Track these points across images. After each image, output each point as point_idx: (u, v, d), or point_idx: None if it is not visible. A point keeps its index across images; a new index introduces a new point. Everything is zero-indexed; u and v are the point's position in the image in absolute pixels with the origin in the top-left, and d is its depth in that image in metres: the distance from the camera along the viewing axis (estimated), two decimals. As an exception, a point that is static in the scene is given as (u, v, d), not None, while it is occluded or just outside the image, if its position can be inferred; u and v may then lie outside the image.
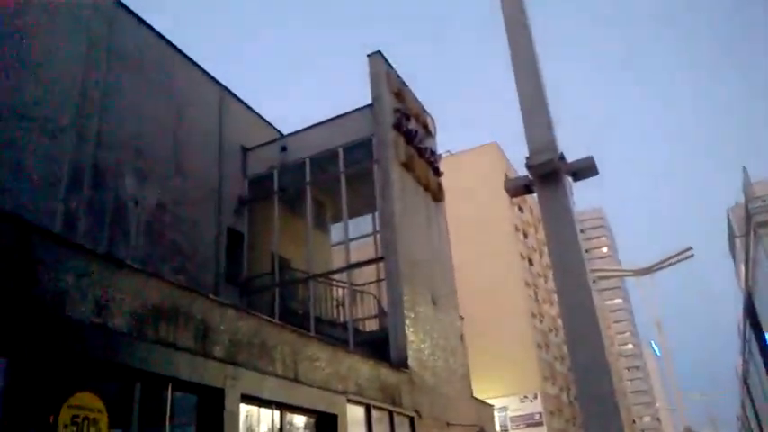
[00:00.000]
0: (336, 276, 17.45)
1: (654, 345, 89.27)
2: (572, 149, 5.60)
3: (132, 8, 15.54)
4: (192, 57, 17.53)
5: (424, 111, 20.14)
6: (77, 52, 13.53)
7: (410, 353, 14.70)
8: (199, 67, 17.89)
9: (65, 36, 13.34)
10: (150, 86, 15.60)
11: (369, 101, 17.68)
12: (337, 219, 18.92)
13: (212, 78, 18.43)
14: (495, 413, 24.50)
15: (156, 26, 16.21)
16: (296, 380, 10.40)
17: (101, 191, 13.24)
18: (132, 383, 7.62)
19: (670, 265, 47.42)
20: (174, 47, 16.98)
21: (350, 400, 11.77)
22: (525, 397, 46.01)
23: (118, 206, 13.64)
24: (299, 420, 10.82)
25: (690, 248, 45.95)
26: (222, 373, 8.76)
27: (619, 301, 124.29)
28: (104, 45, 14.33)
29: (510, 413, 44.75)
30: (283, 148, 18.43)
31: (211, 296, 9.67)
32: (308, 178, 17.61)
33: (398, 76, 18.68)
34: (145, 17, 15.92)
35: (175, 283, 8.91)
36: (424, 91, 21.07)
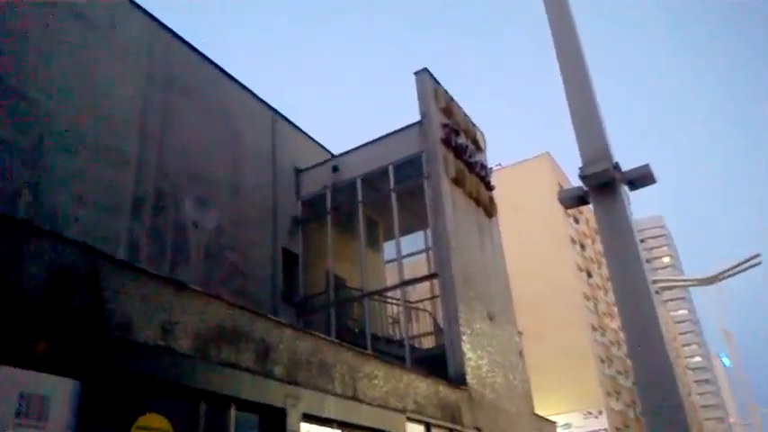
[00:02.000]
0: (390, 294, 17.48)
1: (723, 357, 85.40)
2: (626, 156, 5.48)
3: (187, 38, 16.19)
4: (241, 80, 18.04)
5: (473, 125, 20.08)
6: (136, 84, 14.14)
7: (468, 369, 14.55)
8: (251, 92, 18.40)
9: (124, 69, 13.96)
10: (206, 113, 16.14)
11: (416, 117, 17.76)
12: (390, 236, 18.98)
13: (264, 102, 18.91)
14: (559, 430, 23.87)
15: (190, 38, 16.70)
16: (355, 398, 10.44)
17: (162, 216, 13.72)
18: (197, 404, 7.82)
19: (737, 273, 45.37)
20: (227, 74, 17.53)
21: (409, 419, 11.71)
22: (589, 413, 44.66)
23: (179, 230, 14.10)
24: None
25: (758, 255, 43.80)
26: (283, 392, 8.88)
27: (684, 312, 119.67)
28: (161, 75, 14.93)
29: (574, 430, 43.50)
30: (335, 168, 18.68)
31: (270, 316, 9.86)
32: (359, 197, 17.78)
33: (446, 92, 18.72)
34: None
35: (236, 305, 9.13)
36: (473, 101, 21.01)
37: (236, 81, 17.84)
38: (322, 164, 19.38)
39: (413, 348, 16.16)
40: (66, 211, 11.41)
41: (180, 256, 13.94)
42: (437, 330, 17.16)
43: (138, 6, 14.84)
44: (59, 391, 6.22)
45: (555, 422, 22.29)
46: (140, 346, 7.25)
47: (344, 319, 17.36)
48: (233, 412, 8.17)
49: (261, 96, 18.78)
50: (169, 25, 15.58)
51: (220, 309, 8.55)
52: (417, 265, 18.69)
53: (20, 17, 11.74)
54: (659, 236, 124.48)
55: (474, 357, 15.14)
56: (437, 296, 16.51)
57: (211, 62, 17.03)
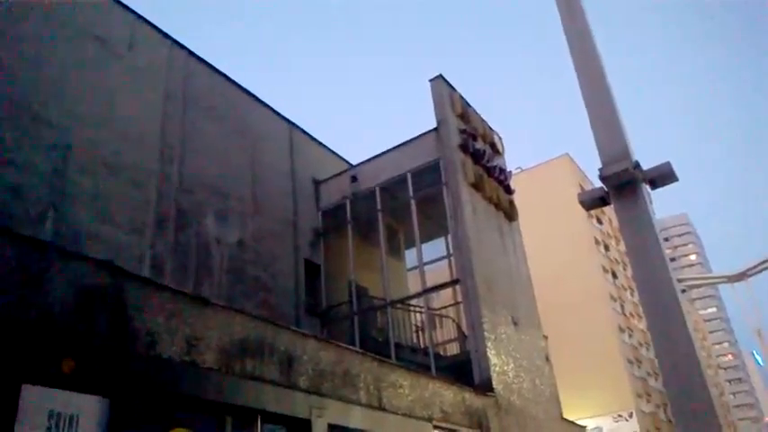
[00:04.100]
0: (413, 301, 17.43)
1: (756, 355, 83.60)
2: (650, 155, 5.40)
3: (203, 56, 16.41)
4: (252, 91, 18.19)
5: (491, 129, 20.01)
6: (155, 103, 14.35)
7: (494, 375, 14.43)
8: (267, 105, 18.56)
9: (142, 88, 14.18)
10: (224, 129, 16.31)
11: (432, 122, 17.76)
12: (411, 244, 18.95)
13: (280, 115, 19.06)
14: (589, 435, 23.54)
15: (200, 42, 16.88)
16: (380, 408, 10.40)
17: (184, 233, 13.86)
18: (223, 417, 7.86)
19: (767, 268, 44.47)
20: (244, 89, 17.71)
21: (436, 427, 11.64)
22: (619, 416, 43.96)
23: (201, 246, 14.22)
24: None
25: (788, 250, 42.97)
26: (308, 403, 8.89)
27: (713, 310, 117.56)
28: (180, 94, 15.13)
29: (605, 434, 42.82)
30: (353, 178, 18.73)
31: (293, 328, 9.89)
32: (379, 206, 17.79)
33: (462, 97, 18.69)
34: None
35: (259, 317, 9.18)
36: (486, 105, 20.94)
37: (252, 95, 18.02)
38: (340, 174, 19.44)
39: (437, 356, 16.08)
40: (89, 230, 11.58)
41: (203, 272, 14.05)
42: (461, 337, 17.06)
43: (155, 27, 15.08)
44: (88, 409, 6.30)
45: (584, 426, 22.00)
46: (166, 361, 7.32)
47: (368, 329, 17.33)
48: (259, 425, 8.19)
49: (277, 109, 18.94)
50: (180, 34, 15.74)
51: (244, 322, 8.60)
52: (439, 272, 18.63)
53: (39, 41, 12.00)
54: (684, 233, 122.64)
55: (499, 363, 15.01)
56: (460, 302, 16.42)
57: (228, 78, 17.22)
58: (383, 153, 18.88)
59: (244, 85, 17.72)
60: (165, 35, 15.36)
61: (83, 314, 6.71)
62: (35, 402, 5.87)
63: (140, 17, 14.70)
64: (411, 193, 17.28)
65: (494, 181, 18.69)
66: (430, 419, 11.53)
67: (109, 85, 13.24)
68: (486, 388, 14.08)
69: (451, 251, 17.45)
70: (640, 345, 52.18)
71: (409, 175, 17.46)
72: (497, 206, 18.59)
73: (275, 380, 8.56)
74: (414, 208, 17.05)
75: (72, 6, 13.00)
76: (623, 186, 5.28)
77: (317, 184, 19.47)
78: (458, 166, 16.96)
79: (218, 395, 7.82)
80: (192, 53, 16.08)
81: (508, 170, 20.41)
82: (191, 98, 15.44)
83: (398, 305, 17.31)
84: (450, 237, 17.35)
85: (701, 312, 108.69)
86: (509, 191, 19.56)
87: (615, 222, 53.16)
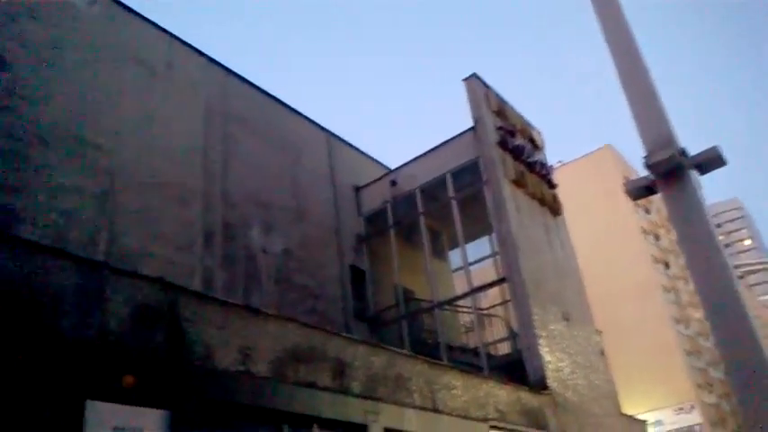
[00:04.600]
0: (461, 302, 17.34)
1: (823, 340, 79.98)
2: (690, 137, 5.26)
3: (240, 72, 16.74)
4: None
5: (529, 124, 19.78)
6: (196, 120, 14.69)
7: (548, 373, 14.22)
8: (304, 115, 18.79)
9: (183, 107, 14.54)
10: (264, 141, 16.58)
11: (467, 121, 17.67)
12: (454, 244, 18.87)
13: (317, 125, 19.26)
14: (650, 429, 22.96)
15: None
16: (435, 410, 10.38)
17: (232, 245, 14.14)
18: (280, 425, 7.97)
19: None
20: (280, 101, 17.98)
21: (492, 427, 11.54)
22: (680, 409, 42.72)
23: (248, 257, 14.48)
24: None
25: None
26: (362, 408, 8.94)
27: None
28: (219, 110, 15.46)
29: (666, 427, 41.68)
30: (393, 183, 18.78)
31: (344, 334, 9.97)
32: (420, 208, 17.79)
33: (497, 94, 18.54)
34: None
35: (309, 325, 9.28)
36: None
37: (289, 107, 18.27)
38: (380, 179, 19.51)
39: (489, 356, 15.95)
40: (140, 249, 11.92)
41: (252, 283, 14.30)
42: (512, 336, 16.89)
43: (191, 46, 15.45)
44: (150, 423, 6.47)
45: (644, 421, 21.45)
46: (221, 372, 7.47)
47: (417, 332, 17.32)
48: (316, 431, 8.27)
49: (313, 118, 19.17)
50: (180, 34, 15.66)
51: (295, 330, 8.71)
52: (485, 271, 18.50)
53: (80, 67, 12.42)
54: (737, 218, 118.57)
55: (553, 360, 14.79)
56: (508, 301, 16.26)
57: (264, 92, 17.51)
58: (421, 156, 18.88)
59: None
60: (202, 54, 15.72)
61: (140, 330, 6.91)
62: (100, 418, 6.07)
63: (176, 38, 15.08)
64: (452, 194, 17.22)
65: (535, 176, 18.45)
66: (486, 420, 11.44)
67: (150, 106, 13.62)
68: (541, 386, 13.89)
69: (496, 249, 17.30)
70: (699, 335, 50.61)
71: (449, 176, 17.41)
72: (541, 201, 18.35)
73: (329, 386, 8.64)
74: (455, 208, 16.98)
75: (109, 31, 13.42)
76: (670, 174, 5.14)
77: (357, 190, 19.59)
78: (497, 163, 16.81)
79: (273, 403, 7.93)
80: (228, 70, 16.42)
81: (549, 164, 20.15)
82: (230, 114, 15.76)
83: (446, 306, 17.25)
84: (494, 235, 17.21)
85: (761, 299, 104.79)
86: (552, 185, 19.29)
87: (664, 211, 51.73)
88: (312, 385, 8.42)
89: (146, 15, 14.33)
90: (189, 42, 15.40)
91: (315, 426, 8.30)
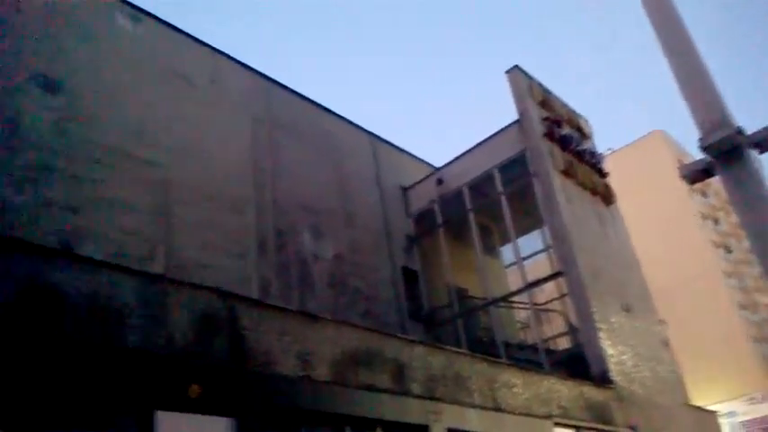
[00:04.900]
0: (516, 298, 17.12)
1: None
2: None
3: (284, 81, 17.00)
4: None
5: (575, 113, 19.39)
6: (243, 131, 14.98)
7: (611, 366, 13.87)
8: (348, 120, 18.93)
9: (230, 119, 14.84)
10: (310, 148, 16.77)
11: (508, 115, 17.43)
12: (506, 240, 18.66)
13: (361, 128, 19.36)
14: (722, 420, 22.13)
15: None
16: (497, 409, 10.27)
17: (284, 252, 14.35)
18: (342, 428, 8.03)
19: None
20: (324, 107, 18.15)
21: (557, 424, 11.33)
22: (752, 399, 41.03)
23: (301, 263, 14.66)
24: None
25: None
26: (423, 409, 8.92)
27: None
28: (265, 120, 15.72)
29: (739, 418, 40.10)
30: (439, 181, 18.70)
31: (400, 335, 9.98)
32: (468, 205, 17.65)
33: (540, 85, 18.24)
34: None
35: (365, 328, 9.34)
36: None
37: (332, 112, 18.42)
38: (426, 178, 19.46)
39: (548, 351, 15.69)
40: (197, 260, 12.21)
41: (306, 288, 14.47)
42: (571, 330, 16.57)
43: (233, 59, 15.77)
44: (217, 430, 6.62)
45: (715, 412, 20.68)
46: (282, 378, 7.58)
47: (473, 330, 17.19)
48: (379, 434, 8.30)
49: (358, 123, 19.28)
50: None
51: (352, 334, 8.77)
52: (539, 265, 18.20)
53: (130, 86, 12.85)
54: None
55: (615, 353, 14.42)
56: (565, 295, 15.96)
57: (307, 99, 17.71)
58: (466, 152, 18.73)
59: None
60: (245, 65, 16.03)
61: (202, 340, 7.08)
62: (169, 428, 6.24)
63: (220, 52, 15.43)
64: (500, 189, 17.02)
65: (585, 166, 18.06)
66: (549, 417, 11.25)
67: (198, 120, 13.95)
68: (604, 380, 13.57)
69: (550, 243, 17.01)
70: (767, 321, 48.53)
71: (496, 171, 17.21)
72: (593, 191, 17.94)
73: (389, 388, 8.65)
74: (504, 203, 16.77)
75: (154, 49, 13.82)
76: (728, 154, 4.94)
77: (404, 190, 19.59)
78: (545, 155, 16.52)
79: (335, 407, 8.00)
80: (271, 80, 16.68)
81: (599, 153, 19.69)
82: (275, 123, 16.00)
83: (501, 303, 17.06)
84: (546, 228, 16.93)
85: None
86: (603, 174, 18.83)
87: (723, 194, 49.93)
88: (372, 388, 8.45)
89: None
90: (232, 55, 15.73)
91: (377, 428, 8.32)
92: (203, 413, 6.62)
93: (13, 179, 10.22)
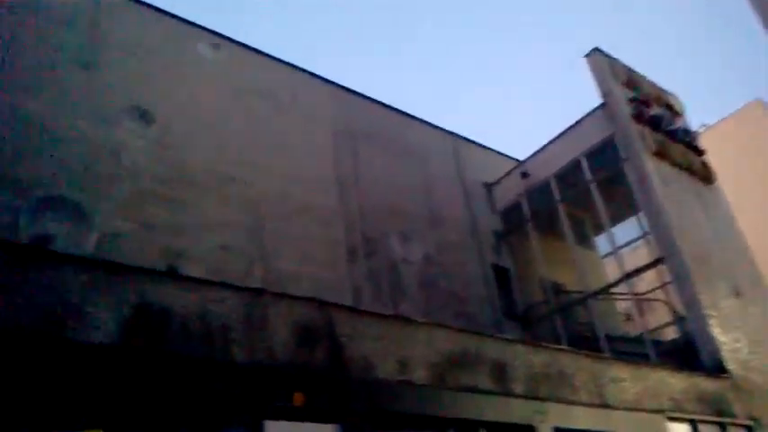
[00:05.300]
0: (615, 289, 16.45)
1: None
2: None
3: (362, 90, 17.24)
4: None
5: (664, 91, 18.44)
6: (325, 144, 15.29)
7: (725, 355, 13.04)
8: (426, 121, 18.90)
9: (311, 133, 15.18)
10: (391, 153, 16.88)
11: (590, 101, 16.80)
12: (599, 230, 18.00)
13: (440, 128, 19.28)
14: None
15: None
16: (604, 405, 9.89)
17: (374, 258, 14.50)
18: (445, 431, 7.98)
19: None
20: (401, 111, 18.23)
21: (670, 418, 10.78)
22: None
23: (391, 268, 14.77)
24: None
25: None
26: (528, 409, 8.72)
27: None
28: (345, 130, 15.97)
29: None
30: (524, 174, 18.30)
31: (498, 335, 9.83)
32: (557, 197, 17.16)
33: (624, 65, 17.48)
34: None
35: (461, 329, 9.25)
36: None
37: (410, 115, 18.47)
38: (510, 173, 19.11)
39: (655, 343, 14.95)
40: (291, 272, 12.55)
41: (397, 293, 14.55)
42: (678, 319, 15.74)
43: (311, 73, 16.16)
44: (324, 437, 6.75)
45: None
46: (383, 382, 7.62)
47: (572, 325, 16.67)
48: (483, 436, 8.19)
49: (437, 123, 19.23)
50: None
51: (448, 336, 8.71)
52: (638, 254, 17.45)
53: (215, 108, 13.43)
54: None
55: (728, 341, 13.55)
56: (669, 282, 15.18)
57: (385, 105, 17.86)
58: (549, 143, 18.23)
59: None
60: (322, 78, 16.37)
61: (302, 349, 7.24)
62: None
63: (297, 68, 15.85)
64: (589, 177, 16.43)
65: (679, 145, 17.11)
66: (661, 411, 10.71)
67: (281, 136, 14.39)
68: (717, 369, 12.77)
69: (647, 229, 16.25)
70: None
71: (583, 159, 16.64)
72: (689, 171, 16.97)
73: (490, 389, 8.52)
74: (595, 191, 16.17)
75: (235, 71, 14.38)
76: None
77: (488, 187, 19.32)
78: (635, 137, 15.80)
79: (436, 410, 7.96)
80: (349, 90, 16.96)
81: (693, 130, 18.63)
82: (355, 132, 16.23)
83: (600, 296, 16.45)
84: (642, 214, 16.19)
85: None
86: (699, 152, 17.78)
87: (837, 161, 46.14)
88: (473, 389, 8.35)
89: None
90: (309, 70, 16.13)
91: (481, 429, 8.21)
92: (309, 421, 6.76)
93: (118, 207, 10.89)
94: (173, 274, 8.14)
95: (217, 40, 14.40)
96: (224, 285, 7.08)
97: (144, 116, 12.21)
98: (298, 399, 6.74)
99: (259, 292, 7.37)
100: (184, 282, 6.85)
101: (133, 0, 13.40)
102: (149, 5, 13.63)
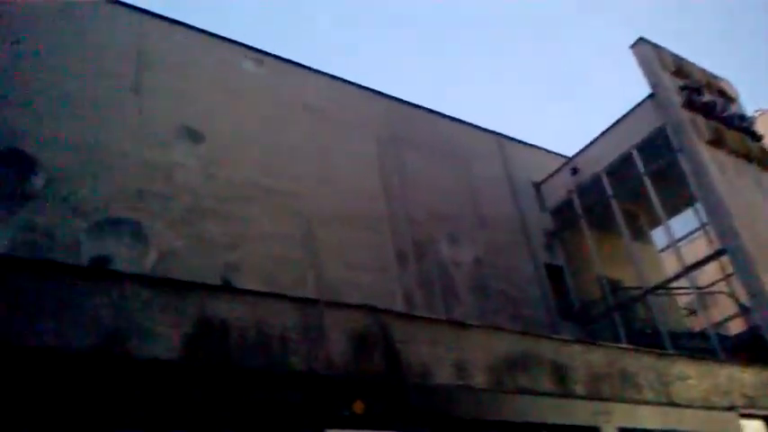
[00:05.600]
0: (676, 283, 15.93)
1: None
2: None
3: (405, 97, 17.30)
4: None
5: (715, 77, 17.83)
6: (369, 152, 15.37)
7: (797, 347, 12.46)
8: (470, 123, 18.78)
9: (356, 142, 15.29)
10: (436, 156, 16.83)
11: (635, 94, 16.37)
12: (655, 223, 17.49)
13: (485, 129, 19.13)
14: None
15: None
16: (671, 404, 9.55)
17: (424, 263, 14.47)
18: (508, 436, 7.86)
19: None
20: (444, 114, 18.18)
21: (743, 415, 10.33)
22: None
23: (442, 272, 14.70)
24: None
25: None
26: (590, 410, 8.50)
27: None
28: (389, 137, 16.03)
29: None
30: (574, 171, 17.96)
31: (554, 336, 9.64)
32: (609, 192, 16.75)
33: (672, 53, 16.99)
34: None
35: (516, 331, 9.12)
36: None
37: (453, 118, 18.40)
38: (559, 170, 18.77)
39: (720, 337, 14.41)
40: (343, 280, 12.63)
41: (450, 297, 14.46)
42: (744, 311, 15.13)
43: (352, 83, 16.30)
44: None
45: None
46: (441, 388, 7.57)
47: (631, 322, 16.21)
48: (546, 439, 8.03)
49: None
50: None
51: (504, 338, 8.60)
52: (696, 246, 16.88)
53: (261, 124, 13.68)
54: None
55: (800, 332, 12.93)
56: (732, 274, 14.62)
57: (427, 109, 17.85)
58: (598, 137, 17.85)
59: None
60: (363, 87, 16.50)
61: (358, 357, 7.25)
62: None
63: (337, 78, 16.02)
64: (642, 170, 15.99)
65: (735, 131, 16.50)
66: (733, 408, 10.28)
67: (326, 147, 14.56)
68: (790, 363, 12.20)
69: (706, 220, 15.71)
70: None
71: (635, 152, 16.21)
72: (747, 157, 16.32)
73: (550, 391, 8.35)
74: (649, 184, 15.73)
75: (278, 85, 14.63)
76: None
77: (537, 186, 19.04)
78: (688, 126, 15.31)
79: (496, 414, 7.84)
80: (391, 97, 17.03)
81: (749, 115, 17.94)
82: (398, 138, 16.26)
83: (659, 291, 15.95)
84: (699, 205, 15.66)
85: None
86: (756, 137, 17.10)
87: None
88: (533, 392, 8.20)
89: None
90: (350, 80, 16.28)
91: (544, 432, 8.07)
92: (369, 428, 6.76)
93: (174, 225, 11.20)
94: (230, 288, 8.31)
95: (260, 56, 14.69)
96: (279, 296, 7.17)
97: (193, 135, 12.54)
98: (358, 406, 6.75)
99: (313, 301, 7.44)
100: (241, 295, 6.97)
101: (176, 23, 13.80)
102: (192, 27, 14.03)
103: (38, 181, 10.31)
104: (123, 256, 10.48)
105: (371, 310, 7.66)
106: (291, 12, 67.26)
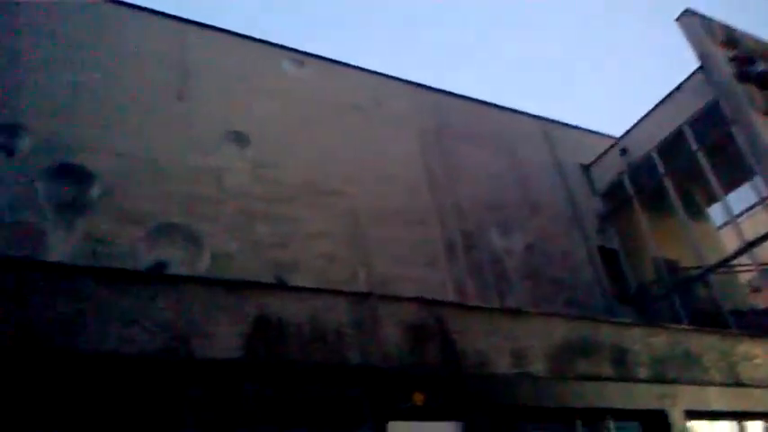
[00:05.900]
0: (737, 260, 15.36)
1: None
2: None
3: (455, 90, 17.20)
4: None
5: (769, 44, 17.07)
6: (412, 144, 15.33)
7: None
8: (513, 109, 18.54)
9: (400, 136, 15.26)
10: (481, 145, 16.66)
11: (683, 68, 15.81)
12: (711, 200, 16.90)
13: (529, 114, 18.85)
14: None
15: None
16: (739, 384, 9.27)
17: (474, 252, 14.36)
18: (571, 422, 7.77)
19: None
20: (487, 102, 18.00)
21: (816, 394, 9.93)
22: None
23: (493, 261, 14.57)
24: (756, 428, 9.52)
25: None
26: (656, 393, 8.33)
27: None
28: (431, 128, 15.96)
29: None
30: (623, 151, 17.52)
31: (613, 320, 9.46)
32: (661, 170, 16.27)
33: (721, 23, 16.35)
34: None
35: (573, 317, 8.98)
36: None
37: (496, 105, 18.20)
38: (607, 152, 18.34)
39: (788, 314, 13.87)
40: (393, 274, 12.66)
41: (502, 285, 14.32)
42: (811, 286, 14.49)
43: (392, 77, 16.30)
44: (448, 434, 6.76)
45: None
46: (500, 377, 7.54)
47: (691, 303, 15.73)
48: (611, 423, 7.90)
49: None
50: None
51: (562, 324, 8.49)
52: (757, 221, 16.20)
53: (306, 125, 13.80)
54: None
55: None
56: (798, 248, 14.01)
57: (469, 98, 17.71)
58: (646, 115, 17.34)
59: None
60: (404, 81, 16.48)
61: (415, 349, 7.29)
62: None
63: (380, 74, 16.06)
64: (695, 146, 15.47)
65: (793, 100, 15.78)
66: (805, 387, 9.90)
67: (370, 143, 14.58)
68: None
69: (766, 194, 15.09)
70: None
71: (686, 127, 15.70)
72: (807, 126, 15.61)
73: (612, 375, 8.22)
74: (703, 160, 15.21)
75: (321, 86, 14.74)
76: None
77: (585, 168, 18.65)
78: (742, 98, 14.71)
79: (558, 401, 7.77)
80: (431, 88, 16.96)
81: (807, 81, 17.10)
82: (441, 128, 16.17)
83: (720, 269, 15.42)
84: (758, 179, 15.04)
85: None
86: (817, 105, 16.31)
87: None
88: (594, 377, 8.08)
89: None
90: (391, 74, 16.28)
91: (608, 417, 7.94)
92: (429, 420, 6.79)
93: (226, 228, 11.44)
94: (285, 286, 8.44)
95: (300, 56, 14.84)
96: (333, 292, 7.27)
97: (239, 139, 12.77)
98: (418, 398, 6.79)
99: (368, 296, 7.50)
100: (296, 292, 7.09)
101: (212, 28, 14.07)
102: (229, 32, 14.28)
103: (94, 191, 10.68)
104: (178, 260, 10.76)
105: (425, 302, 7.67)
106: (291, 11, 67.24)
